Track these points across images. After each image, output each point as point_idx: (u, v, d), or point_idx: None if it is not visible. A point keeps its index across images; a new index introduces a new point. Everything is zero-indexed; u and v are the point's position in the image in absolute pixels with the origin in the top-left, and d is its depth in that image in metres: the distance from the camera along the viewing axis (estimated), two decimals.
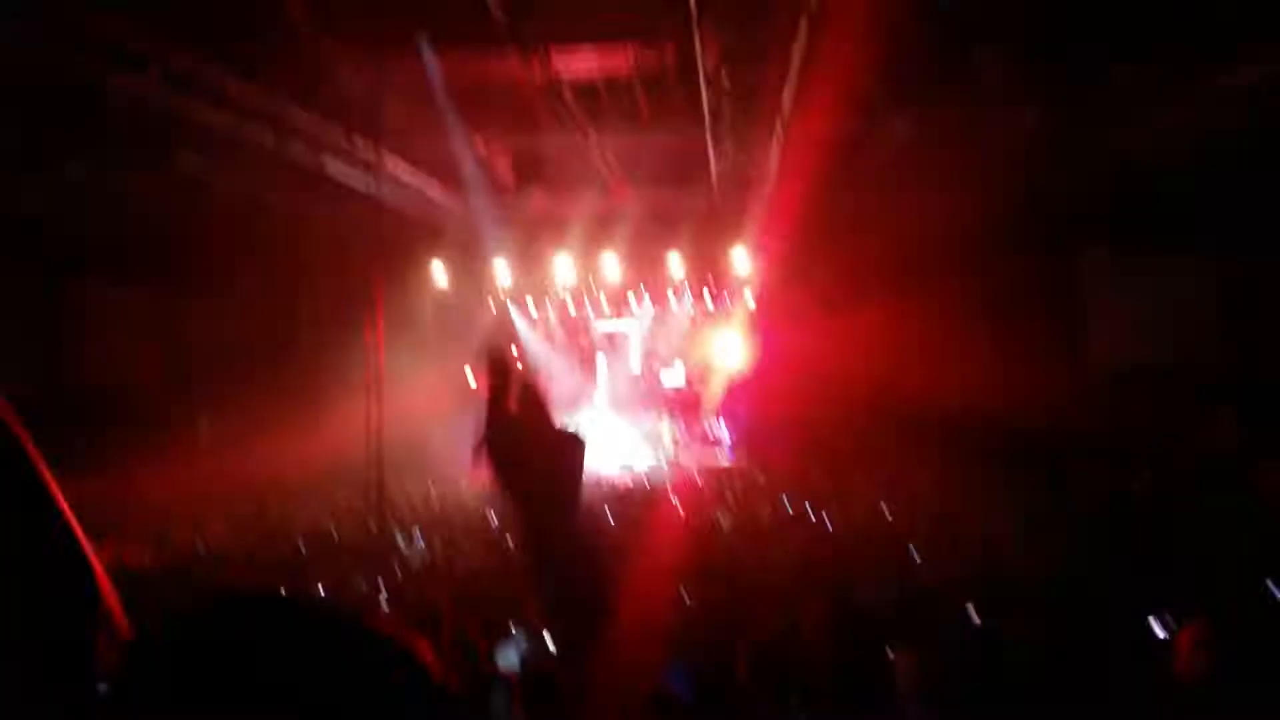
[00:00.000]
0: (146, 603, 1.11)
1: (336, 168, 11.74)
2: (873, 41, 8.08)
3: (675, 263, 18.61)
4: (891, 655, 3.83)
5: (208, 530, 10.10)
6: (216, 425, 13.93)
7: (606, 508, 10.31)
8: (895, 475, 12.25)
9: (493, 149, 11.90)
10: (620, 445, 19.34)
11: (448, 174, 12.87)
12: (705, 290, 19.91)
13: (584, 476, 1.31)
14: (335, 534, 9.94)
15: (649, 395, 21.02)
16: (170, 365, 13.66)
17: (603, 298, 20.57)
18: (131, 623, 0.98)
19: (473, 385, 20.87)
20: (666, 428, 20.34)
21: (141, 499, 10.34)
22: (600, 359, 21.28)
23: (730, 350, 20.46)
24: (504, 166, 12.38)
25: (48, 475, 0.99)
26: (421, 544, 9.31)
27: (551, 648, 4.12)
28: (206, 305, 13.95)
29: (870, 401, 13.93)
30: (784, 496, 11.22)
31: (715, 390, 20.90)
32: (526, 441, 1.26)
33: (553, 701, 3.20)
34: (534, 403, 1.26)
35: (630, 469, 17.58)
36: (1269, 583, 5.29)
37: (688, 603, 5.59)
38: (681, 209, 15.77)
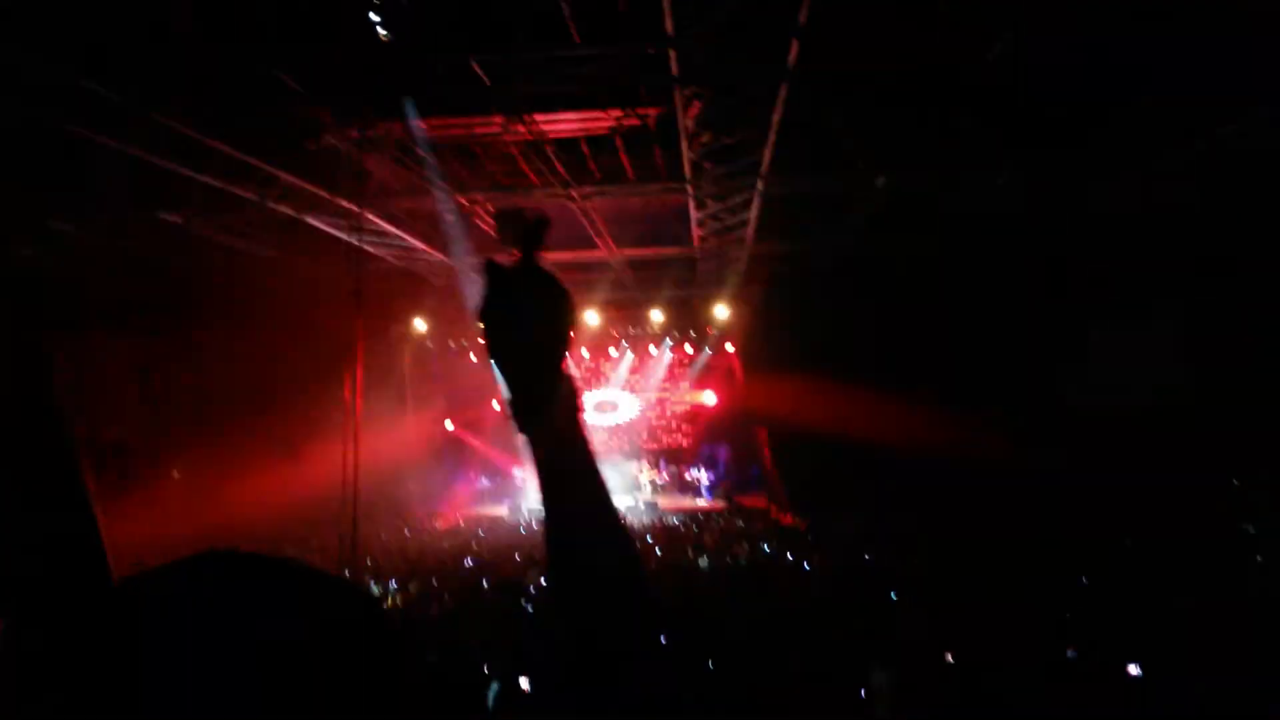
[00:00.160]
0: None
1: (318, 221, 11.93)
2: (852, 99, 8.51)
3: (656, 313, 18.90)
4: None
5: None
6: (191, 472, 13.84)
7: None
8: (874, 520, 12.35)
9: (476, 205, 12.14)
10: None
11: (430, 228, 13.09)
12: (685, 340, 20.17)
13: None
14: None
15: (629, 441, 21.09)
16: (145, 414, 13.57)
17: (584, 351, 20.82)
18: None
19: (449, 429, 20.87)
20: (646, 472, 20.40)
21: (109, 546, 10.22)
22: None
23: (709, 397, 20.67)
24: (487, 222, 12.62)
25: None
26: (395, 588, 9.28)
27: (526, 690, 4.17)
28: (184, 354, 13.95)
29: (847, 445, 14.08)
30: (763, 542, 11.29)
31: (695, 436, 21.04)
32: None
33: None
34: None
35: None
36: None
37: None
38: (663, 260, 16.06)
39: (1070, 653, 5.48)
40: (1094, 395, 12.06)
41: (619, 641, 1.27)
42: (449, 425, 21.09)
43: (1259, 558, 8.67)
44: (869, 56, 7.62)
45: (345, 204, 10.82)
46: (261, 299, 13.75)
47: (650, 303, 18.73)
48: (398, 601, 8.93)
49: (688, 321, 19.68)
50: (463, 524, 17.47)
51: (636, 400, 21.34)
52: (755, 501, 18.37)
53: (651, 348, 20.55)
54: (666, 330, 19.83)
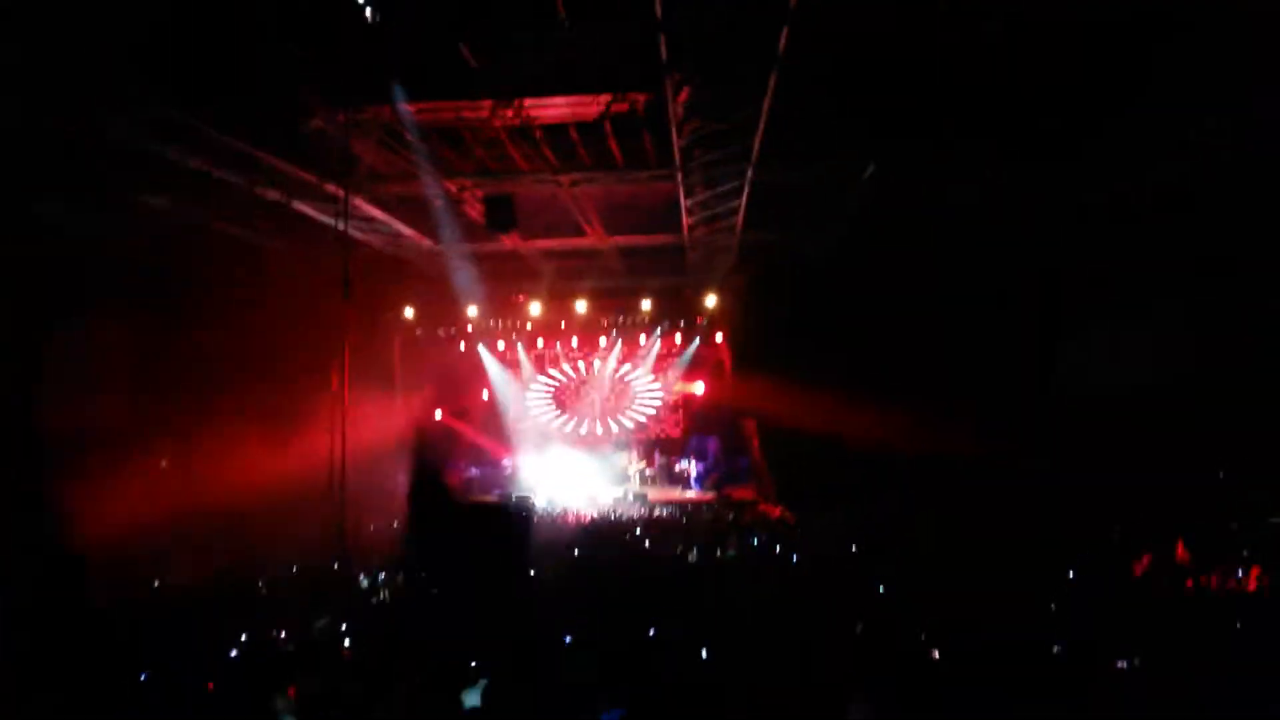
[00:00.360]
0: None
1: (307, 207, 11.78)
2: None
3: (645, 302, 18.83)
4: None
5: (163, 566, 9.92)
6: (180, 459, 13.76)
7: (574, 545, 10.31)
8: (861, 512, 12.35)
9: (465, 191, 12.01)
10: (587, 480, 19.33)
11: (419, 214, 12.96)
12: (675, 330, 20.12)
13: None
14: (296, 570, 9.80)
15: (618, 431, 21.06)
16: (135, 401, 13.45)
17: (574, 340, 20.74)
18: None
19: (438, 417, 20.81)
20: (635, 463, 20.39)
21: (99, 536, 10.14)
22: (569, 395, 21.34)
23: (698, 387, 20.65)
24: (476, 208, 12.48)
25: None
26: (384, 579, 9.20)
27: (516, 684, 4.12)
28: (173, 341, 13.81)
29: (835, 438, 14.07)
30: (752, 535, 11.27)
31: (684, 426, 21.02)
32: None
33: None
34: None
35: (596, 502, 17.57)
36: None
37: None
38: (652, 249, 15.98)
39: (1056, 647, 5.47)
40: (1091, 392, 12.08)
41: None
42: (438, 414, 20.99)
43: (1245, 553, 8.71)
44: (860, 43, 7.55)
45: (332, 189, 10.68)
46: (250, 285, 13.60)
47: (639, 291, 18.65)
48: (387, 594, 8.85)
49: (677, 311, 19.61)
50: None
51: (624, 389, 21.28)
52: (744, 493, 18.37)
53: (641, 337, 20.47)
54: (655, 319, 19.75)
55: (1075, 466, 11.77)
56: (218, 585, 8.89)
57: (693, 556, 9.97)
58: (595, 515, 15.18)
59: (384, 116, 9.24)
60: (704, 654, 5.12)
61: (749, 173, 10.82)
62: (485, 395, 21.11)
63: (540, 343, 20.98)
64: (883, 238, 13.08)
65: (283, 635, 6.43)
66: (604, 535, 11.91)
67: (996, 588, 7.47)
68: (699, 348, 20.18)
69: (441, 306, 18.99)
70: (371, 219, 13.01)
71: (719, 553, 10.25)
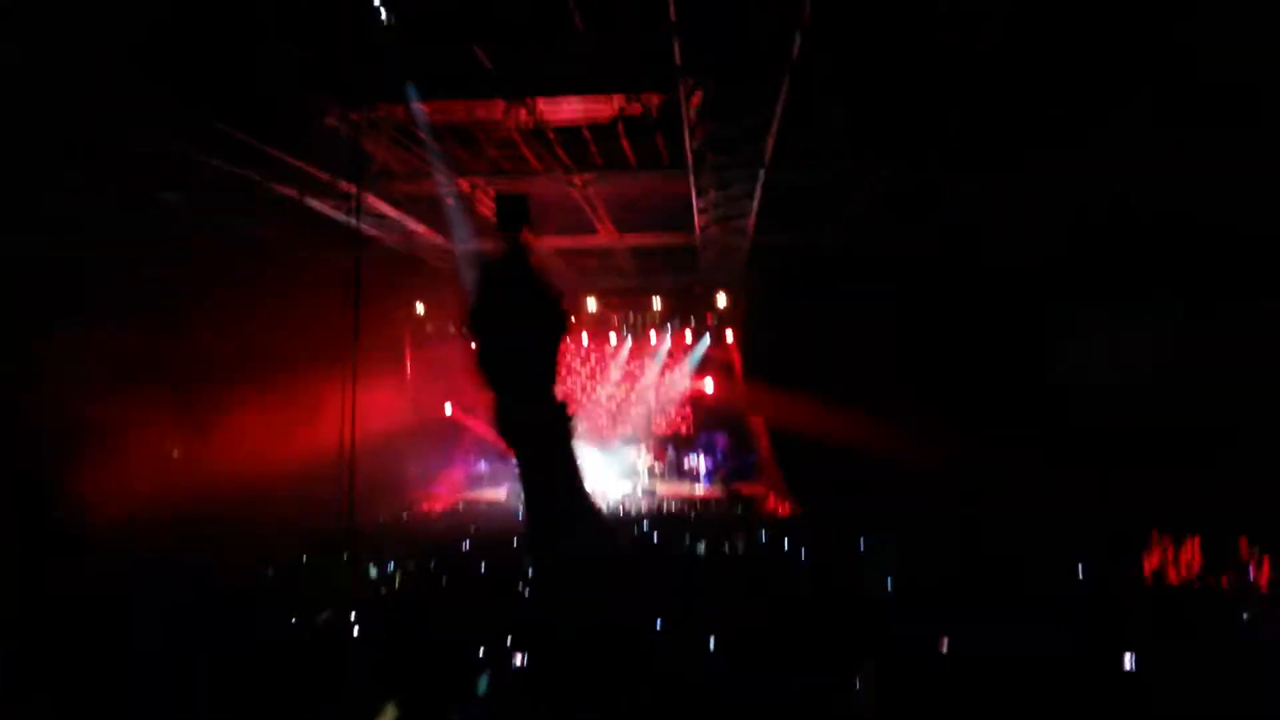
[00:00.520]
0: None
1: (319, 205, 11.90)
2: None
3: (657, 301, 18.92)
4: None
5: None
6: (189, 453, 13.91)
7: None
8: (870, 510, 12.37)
9: (477, 190, 12.10)
10: (596, 475, 19.41)
11: (431, 212, 13.06)
12: (686, 328, 20.19)
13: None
14: (304, 561, 9.93)
15: (628, 426, 21.15)
16: (147, 394, 13.63)
17: (584, 335, 20.83)
18: None
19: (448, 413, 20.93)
20: (644, 457, 20.47)
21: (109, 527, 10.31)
22: (578, 391, 21.44)
23: (707, 385, 20.72)
24: (488, 206, 12.58)
25: None
26: (393, 570, 9.33)
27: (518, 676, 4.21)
28: (184, 334, 13.98)
29: (844, 437, 14.11)
30: (760, 530, 11.34)
31: (694, 422, 21.09)
32: None
33: None
34: None
35: (605, 497, 17.68)
36: None
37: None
38: (664, 249, 16.04)
39: (1064, 646, 5.51)
40: (1090, 390, 12.07)
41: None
42: (448, 409, 21.12)
43: (1256, 551, 8.70)
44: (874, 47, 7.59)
45: (346, 186, 10.79)
46: (263, 281, 13.77)
47: (651, 290, 18.72)
48: (398, 583, 8.96)
49: (688, 310, 19.68)
50: (461, 507, 17.53)
51: (636, 387, 21.37)
52: (753, 489, 18.44)
53: (651, 335, 20.55)
54: (666, 318, 19.84)
55: (1084, 464, 11.76)
56: (226, 574, 9.04)
57: (700, 550, 10.07)
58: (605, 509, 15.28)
59: (397, 116, 9.33)
60: (710, 646, 5.20)
61: (761, 175, 10.86)
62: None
63: None
64: (894, 238, 13.12)
65: (291, 624, 6.55)
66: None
67: (1004, 586, 7.53)
68: (709, 346, 20.27)
69: (452, 303, 19.10)
70: (383, 216, 13.12)
71: (726, 547, 10.33)
